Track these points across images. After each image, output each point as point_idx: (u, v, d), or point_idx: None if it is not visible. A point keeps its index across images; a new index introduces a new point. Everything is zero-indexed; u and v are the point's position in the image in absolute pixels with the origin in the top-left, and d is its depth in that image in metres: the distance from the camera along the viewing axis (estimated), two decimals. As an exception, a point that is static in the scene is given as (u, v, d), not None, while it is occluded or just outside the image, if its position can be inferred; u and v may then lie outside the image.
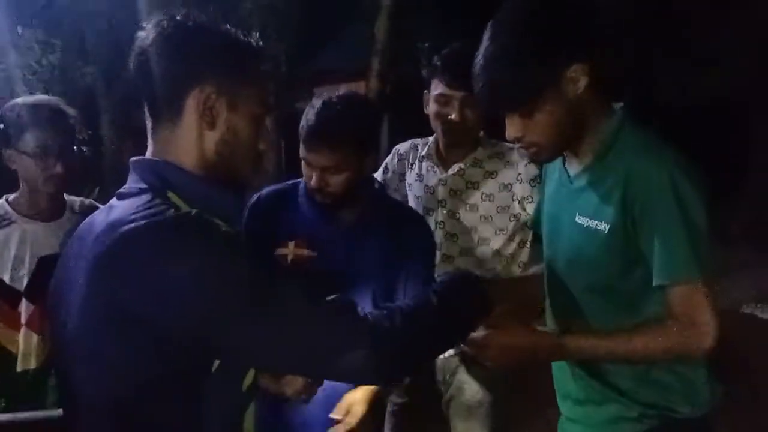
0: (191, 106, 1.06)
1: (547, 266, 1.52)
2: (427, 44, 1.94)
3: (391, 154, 2.21)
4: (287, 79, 10.33)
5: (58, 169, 1.79)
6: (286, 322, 1.00)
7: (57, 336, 1.10)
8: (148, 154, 1.10)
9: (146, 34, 1.07)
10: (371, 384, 1.24)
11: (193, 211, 1.00)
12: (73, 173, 1.86)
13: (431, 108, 1.97)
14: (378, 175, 2.26)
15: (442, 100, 1.93)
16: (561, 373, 1.49)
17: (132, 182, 1.08)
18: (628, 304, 1.34)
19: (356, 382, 1.25)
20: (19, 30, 7.30)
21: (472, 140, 2.00)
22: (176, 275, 0.95)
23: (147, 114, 1.10)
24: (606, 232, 1.30)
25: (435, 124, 1.98)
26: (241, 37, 1.11)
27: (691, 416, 1.35)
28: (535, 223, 1.66)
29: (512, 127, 1.32)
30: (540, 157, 1.39)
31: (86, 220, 1.13)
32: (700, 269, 1.25)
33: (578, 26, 1.27)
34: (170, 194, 1.05)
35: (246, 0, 10.35)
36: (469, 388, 2.00)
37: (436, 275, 2.00)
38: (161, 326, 0.95)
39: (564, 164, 1.45)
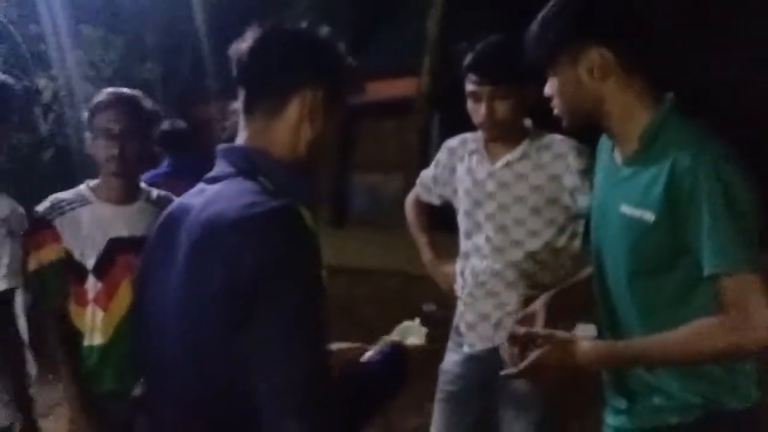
0: (295, 104, 1.14)
1: (594, 255, 1.54)
2: (464, 43, 1.95)
3: (441, 149, 2.25)
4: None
5: (117, 150, 1.91)
6: (293, 339, 0.99)
7: (144, 312, 1.18)
8: (240, 142, 1.18)
9: (253, 34, 1.15)
10: None
11: (293, 202, 1.05)
12: (138, 158, 1.97)
13: (468, 106, 2.01)
14: (429, 170, 2.31)
15: (473, 97, 1.98)
16: None
17: (221, 167, 1.17)
18: (675, 296, 1.35)
19: None
20: (82, 29, 7.58)
21: (517, 132, 2.02)
22: (281, 258, 0.99)
23: (244, 104, 1.18)
24: (651, 222, 1.31)
25: (474, 121, 2.01)
26: (338, 42, 1.20)
27: (738, 409, 1.35)
28: (589, 213, 1.68)
29: (548, 84, 1.44)
30: (563, 121, 1.46)
31: (176, 204, 1.21)
32: (753, 260, 1.25)
33: (610, 13, 1.36)
34: (261, 179, 1.12)
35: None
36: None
37: (486, 266, 2.03)
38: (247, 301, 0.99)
39: (612, 151, 1.46)
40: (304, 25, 1.19)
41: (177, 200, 1.22)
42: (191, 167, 1.89)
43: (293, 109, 1.14)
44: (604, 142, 1.55)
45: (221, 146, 1.20)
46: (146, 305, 1.18)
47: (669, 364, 1.35)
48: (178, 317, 1.09)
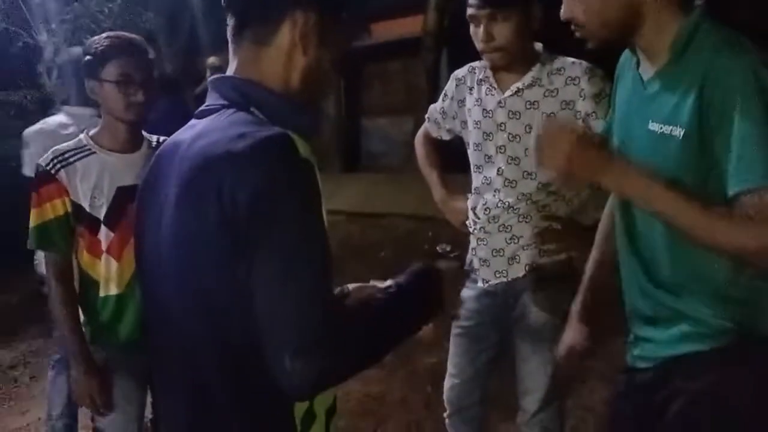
0: (286, 30, 1.07)
1: None
2: None
3: (450, 80, 2.17)
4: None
5: (140, 97, 1.88)
6: (292, 271, 0.94)
7: (144, 253, 1.14)
8: (230, 72, 1.12)
9: None
10: (290, 389, 0.98)
11: (288, 131, 1.00)
12: (151, 104, 1.93)
13: (470, 32, 1.93)
14: (438, 104, 2.23)
15: (473, 21, 1.89)
16: (630, 289, 1.46)
17: (212, 99, 1.11)
18: None
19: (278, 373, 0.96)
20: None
21: (525, 57, 1.94)
22: (275, 188, 0.94)
23: (233, 32, 1.11)
24: (681, 137, 1.24)
25: (477, 48, 1.93)
26: None
27: None
28: (606, 136, 1.61)
29: (564, 7, 1.33)
30: (587, 41, 1.35)
31: (166, 143, 1.16)
32: None
33: None
34: (255, 111, 1.06)
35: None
36: (533, 312, 2.00)
37: (498, 200, 1.99)
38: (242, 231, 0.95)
39: (638, 69, 1.39)
40: None
41: (168, 139, 1.17)
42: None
43: (284, 35, 1.07)
44: (627, 60, 1.46)
45: (212, 78, 1.14)
46: (143, 252, 1.14)
47: (671, 223, 1.23)
48: (174, 261, 1.05)
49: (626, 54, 1.47)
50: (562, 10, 1.34)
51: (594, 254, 1.69)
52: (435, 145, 2.30)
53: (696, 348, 1.33)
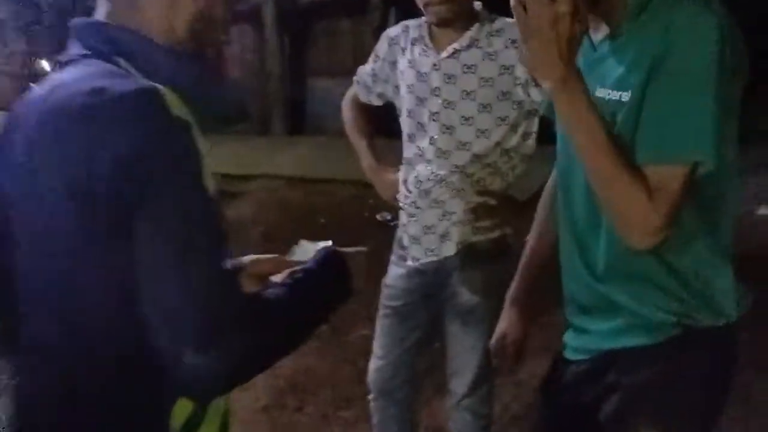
0: None
1: (560, 155, 1.33)
2: None
3: (381, 40, 1.99)
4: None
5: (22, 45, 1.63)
6: (179, 240, 0.80)
7: None
8: (98, 17, 0.94)
9: None
10: (194, 389, 0.87)
11: (156, 85, 0.84)
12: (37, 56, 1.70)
13: None
14: (368, 65, 2.05)
15: None
16: (567, 274, 1.33)
17: (72, 49, 0.92)
18: None
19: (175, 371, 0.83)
20: None
21: (465, 15, 1.77)
22: (142, 153, 0.79)
23: None
24: (628, 101, 1.10)
25: (418, 2, 1.75)
26: None
27: (714, 325, 1.19)
28: (549, 108, 1.47)
29: None
30: None
31: (22, 99, 0.96)
32: (699, 150, 1.04)
33: None
34: (122, 62, 0.90)
35: None
36: (464, 292, 1.87)
37: (430, 173, 1.84)
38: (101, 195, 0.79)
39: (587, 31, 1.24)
40: None
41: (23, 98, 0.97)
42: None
43: None
44: None
45: (74, 22, 0.94)
46: None
47: (586, 160, 1.09)
48: (26, 242, 0.87)
49: None
50: None
51: (534, 229, 1.56)
52: (364, 109, 2.11)
53: (635, 342, 1.22)
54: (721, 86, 1.03)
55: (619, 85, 1.12)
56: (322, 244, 1.11)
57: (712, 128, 1.03)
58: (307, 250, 1.10)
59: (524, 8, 1.00)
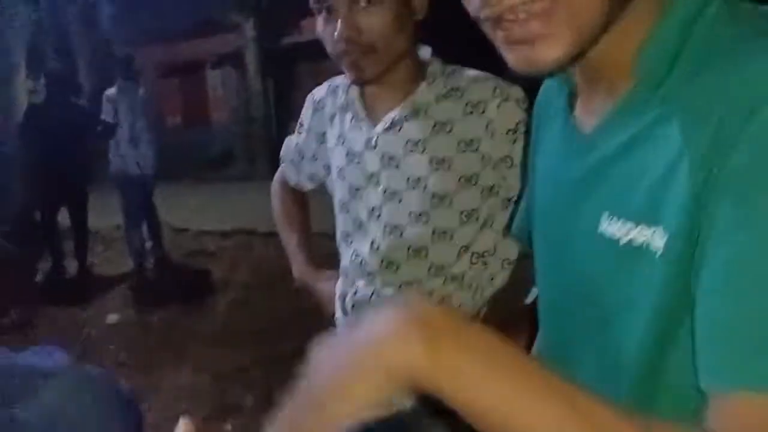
0: None
1: (544, 304, 0.81)
2: None
3: (306, 103, 1.47)
4: (271, 12, 9.48)
5: None
6: None
7: None
8: None
9: None
10: None
11: None
12: None
13: (317, 29, 1.22)
14: (293, 136, 1.55)
15: (325, 10, 1.19)
16: None
17: None
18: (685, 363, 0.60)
19: None
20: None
21: (405, 70, 1.25)
22: None
23: None
24: (662, 249, 0.58)
25: (330, 53, 1.22)
26: None
27: None
28: (520, 225, 0.94)
29: None
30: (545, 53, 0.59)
31: None
32: None
33: None
34: None
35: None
36: None
37: (375, 288, 1.31)
38: None
39: (571, 111, 0.72)
40: None
41: None
42: None
43: None
44: (552, 94, 0.79)
45: None
46: None
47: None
48: None
49: (549, 84, 0.80)
50: None
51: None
52: (296, 196, 1.60)
53: None
54: None
55: (640, 215, 0.60)
56: None
57: None
58: None
59: None
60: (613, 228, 0.63)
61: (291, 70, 10.06)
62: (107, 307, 4.81)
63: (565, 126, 0.73)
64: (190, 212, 7.33)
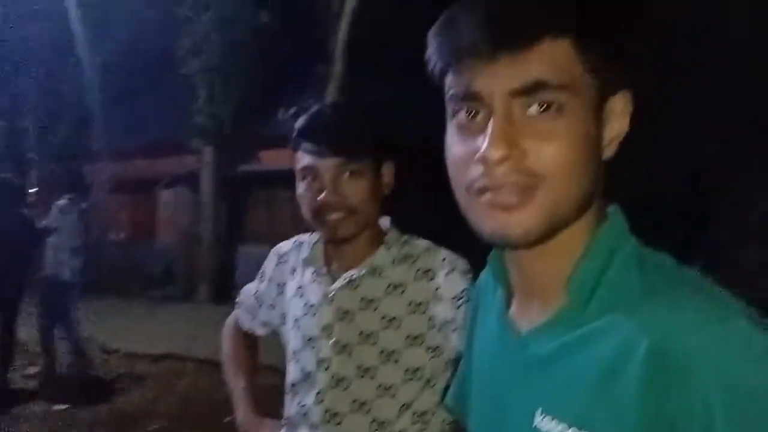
0: None
1: None
2: (293, 109, 1.33)
3: (269, 256, 1.57)
4: (232, 141, 9.76)
5: None
6: None
7: None
8: None
9: None
10: None
11: None
12: None
13: (298, 190, 1.35)
14: (253, 284, 1.62)
15: (309, 174, 1.32)
16: None
17: None
18: None
19: None
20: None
21: (369, 235, 1.37)
22: None
23: None
24: None
25: (306, 213, 1.35)
26: None
27: None
28: (455, 404, 1.01)
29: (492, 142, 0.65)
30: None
31: None
32: None
33: None
34: None
35: (194, 59, 9.91)
36: None
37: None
38: None
39: (507, 308, 0.81)
40: None
41: None
42: None
43: None
44: (488, 286, 0.89)
45: None
46: None
47: None
48: None
49: (486, 274, 0.90)
50: (487, 148, 0.66)
51: None
52: (247, 341, 1.65)
53: None
54: None
55: (580, 419, 0.67)
56: None
57: None
58: None
59: None
60: (548, 425, 0.69)
61: (245, 197, 10.22)
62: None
63: (500, 321, 0.81)
64: (123, 330, 7.08)
